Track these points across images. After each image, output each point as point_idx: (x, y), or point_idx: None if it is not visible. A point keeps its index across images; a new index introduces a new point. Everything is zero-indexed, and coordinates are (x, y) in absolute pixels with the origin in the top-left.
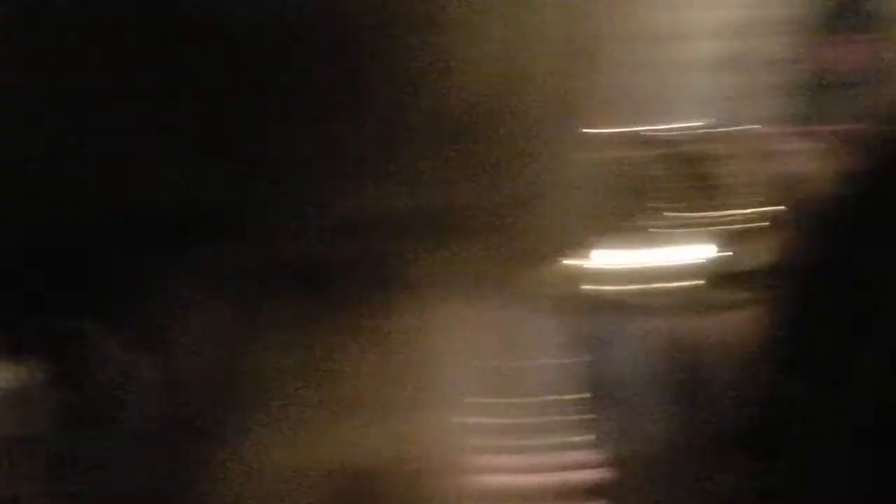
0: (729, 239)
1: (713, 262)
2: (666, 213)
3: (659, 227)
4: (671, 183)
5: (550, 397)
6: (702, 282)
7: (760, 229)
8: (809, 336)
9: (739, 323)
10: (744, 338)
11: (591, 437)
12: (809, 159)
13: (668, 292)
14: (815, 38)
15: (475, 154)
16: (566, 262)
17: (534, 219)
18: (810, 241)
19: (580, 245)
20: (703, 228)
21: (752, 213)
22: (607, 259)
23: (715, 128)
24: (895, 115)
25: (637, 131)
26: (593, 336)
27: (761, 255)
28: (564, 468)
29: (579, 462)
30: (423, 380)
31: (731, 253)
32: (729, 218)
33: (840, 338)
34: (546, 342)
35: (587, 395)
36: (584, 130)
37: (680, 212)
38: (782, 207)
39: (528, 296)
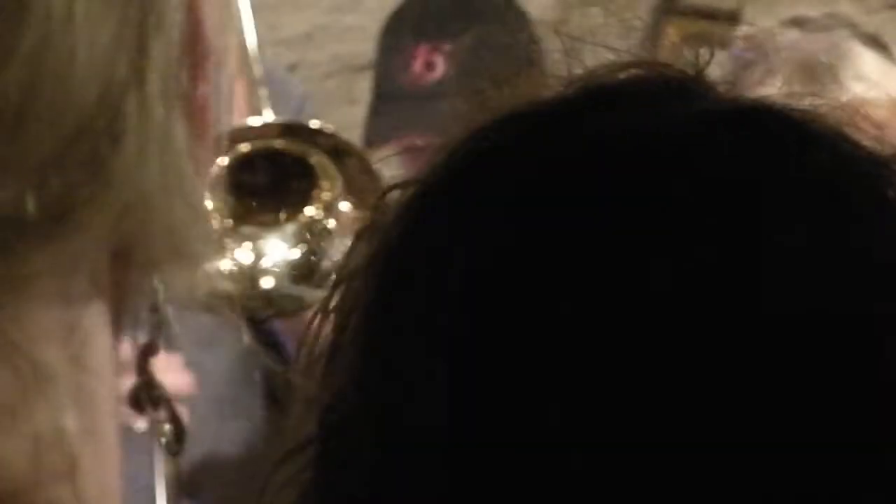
0: (313, 239)
1: (298, 262)
2: (252, 213)
3: (246, 227)
4: (254, 181)
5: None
6: (287, 281)
7: (341, 231)
8: (375, 341)
9: (315, 323)
10: (318, 339)
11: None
12: (392, 166)
13: (253, 291)
14: (394, 45)
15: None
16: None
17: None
18: (380, 245)
19: (192, 247)
20: (287, 228)
21: (333, 214)
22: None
23: (298, 127)
24: (456, 127)
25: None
26: (186, 337)
27: (342, 255)
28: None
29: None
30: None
31: (315, 253)
32: (312, 218)
33: (409, 346)
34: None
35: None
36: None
37: (266, 211)
38: (362, 211)
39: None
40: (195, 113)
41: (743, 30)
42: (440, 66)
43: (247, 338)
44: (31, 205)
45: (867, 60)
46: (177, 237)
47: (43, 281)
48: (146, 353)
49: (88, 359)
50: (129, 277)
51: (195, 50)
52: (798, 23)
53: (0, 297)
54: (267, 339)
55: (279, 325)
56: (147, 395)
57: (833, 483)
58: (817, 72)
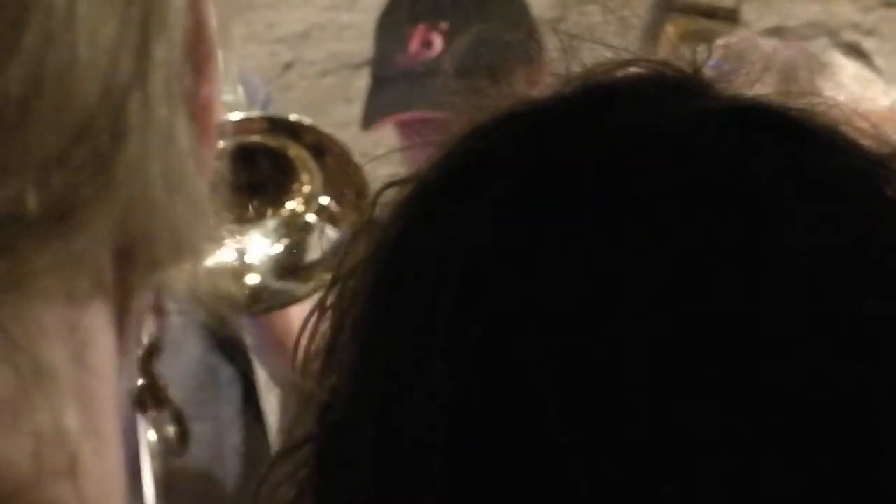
0: (294, 233)
1: (281, 257)
2: (239, 206)
3: (234, 220)
4: (241, 174)
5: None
6: (271, 277)
7: (322, 225)
8: (374, 340)
9: (306, 317)
10: (309, 334)
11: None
12: (389, 155)
13: (241, 287)
14: (391, 31)
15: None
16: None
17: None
18: (378, 244)
19: (194, 244)
20: (268, 223)
21: (313, 208)
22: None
23: (277, 121)
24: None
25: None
26: (164, 334)
27: (331, 247)
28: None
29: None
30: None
31: (297, 247)
32: (293, 212)
33: (407, 345)
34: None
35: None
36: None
37: (246, 206)
38: (343, 205)
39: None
40: (198, 113)
41: (719, 41)
42: (437, 44)
43: (250, 341)
44: (33, 203)
45: (848, 71)
46: (179, 236)
47: (45, 279)
48: (150, 354)
49: (90, 358)
50: (131, 276)
51: (198, 50)
52: (777, 32)
53: (1, 295)
54: (229, 342)
55: (255, 328)
56: (151, 397)
57: (832, 483)
58: (798, 82)
